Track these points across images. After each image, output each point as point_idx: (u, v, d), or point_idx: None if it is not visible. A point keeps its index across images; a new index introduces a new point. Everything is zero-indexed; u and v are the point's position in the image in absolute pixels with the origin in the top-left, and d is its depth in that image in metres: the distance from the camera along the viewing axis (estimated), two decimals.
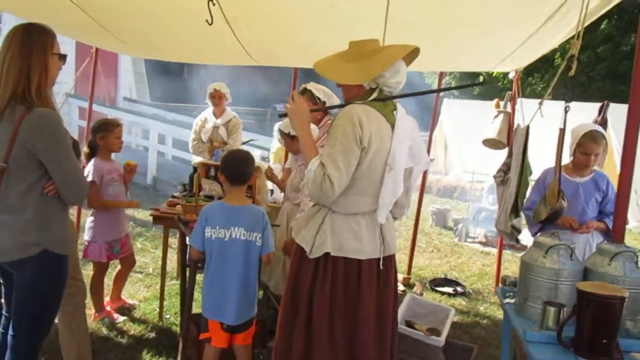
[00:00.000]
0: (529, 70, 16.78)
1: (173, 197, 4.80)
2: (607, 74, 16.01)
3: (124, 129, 12.41)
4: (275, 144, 6.22)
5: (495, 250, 7.50)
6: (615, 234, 2.48)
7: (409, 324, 3.15)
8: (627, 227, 3.00)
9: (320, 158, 2.38)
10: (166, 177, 10.17)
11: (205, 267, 2.99)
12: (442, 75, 5.73)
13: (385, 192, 2.48)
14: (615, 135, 9.27)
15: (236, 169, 2.95)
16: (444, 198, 11.65)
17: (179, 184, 5.16)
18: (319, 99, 4.22)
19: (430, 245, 7.75)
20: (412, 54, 2.52)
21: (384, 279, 2.58)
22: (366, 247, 2.51)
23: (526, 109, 5.18)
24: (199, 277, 3.66)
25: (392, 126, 2.46)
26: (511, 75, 5.51)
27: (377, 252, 2.54)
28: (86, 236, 4.09)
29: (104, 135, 3.98)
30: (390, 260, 2.61)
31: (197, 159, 5.55)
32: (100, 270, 4.19)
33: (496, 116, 5.64)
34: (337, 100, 4.31)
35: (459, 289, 5.61)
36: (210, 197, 4.31)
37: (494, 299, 5.43)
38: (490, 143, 5.65)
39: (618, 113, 8.89)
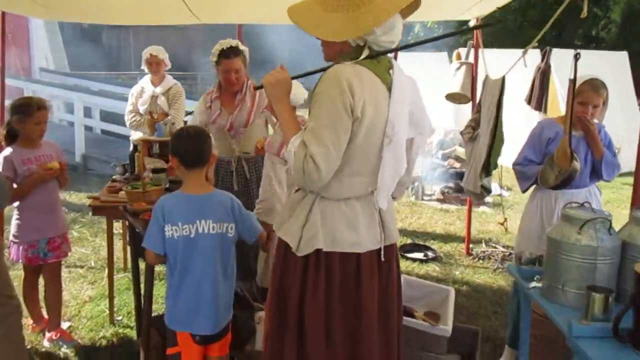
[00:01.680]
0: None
1: (113, 181, 4.19)
2: (539, 20, 16.00)
3: None
4: None
5: (454, 207, 7.35)
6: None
7: (407, 311, 2.78)
8: None
9: (302, 135, 1.92)
10: (96, 153, 9.35)
11: (168, 272, 2.48)
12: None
13: (385, 170, 2.04)
14: (558, 81, 9.23)
15: (191, 148, 2.43)
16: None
17: (117, 164, 4.53)
18: (247, 60, 3.72)
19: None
20: (410, 7, 2.05)
21: (386, 273, 2.17)
22: (364, 237, 2.08)
23: (488, 60, 4.88)
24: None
25: (389, 89, 2.01)
26: (471, 24, 5.13)
27: (376, 242, 2.12)
28: (11, 236, 3.46)
29: (22, 118, 3.31)
30: (391, 250, 2.20)
31: (136, 135, 4.91)
32: (30, 273, 3.56)
33: (458, 68, 5.31)
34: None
35: (429, 253, 5.34)
36: (159, 171, 3.73)
37: (467, 262, 5.19)
38: (454, 97, 5.32)
39: (559, 59, 8.87)
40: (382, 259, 2.13)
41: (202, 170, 2.48)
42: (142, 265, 3.18)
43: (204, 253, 2.42)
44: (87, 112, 9.88)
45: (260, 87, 2.11)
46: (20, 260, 3.44)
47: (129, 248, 4.50)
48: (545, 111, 8.60)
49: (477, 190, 4.25)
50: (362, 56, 2.00)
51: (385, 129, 2.00)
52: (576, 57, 2.49)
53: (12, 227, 3.42)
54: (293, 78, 2.14)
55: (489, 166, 4.15)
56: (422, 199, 7.77)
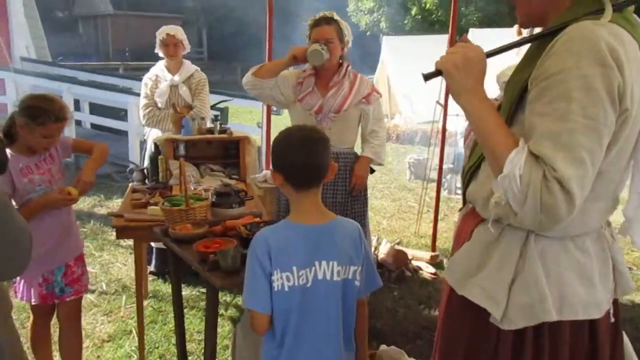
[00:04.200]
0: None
1: (134, 191, 3.39)
2: None
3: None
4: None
5: None
6: None
7: None
8: None
9: (527, 147, 1.19)
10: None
11: (269, 336, 1.71)
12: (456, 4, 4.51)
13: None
14: None
15: (303, 160, 1.65)
16: (406, 145, 10.64)
17: (134, 168, 3.72)
18: (344, 34, 3.06)
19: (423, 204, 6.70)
20: None
21: (613, 340, 1.45)
22: (600, 293, 1.35)
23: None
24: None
25: None
26: None
27: (610, 296, 1.40)
28: None
29: (31, 125, 2.50)
30: (616, 304, 1.47)
31: (153, 133, 4.10)
32: (40, 316, 2.74)
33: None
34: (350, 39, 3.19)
35: None
36: (224, 195, 2.91)
37: None
38: None
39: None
40: (612, 320, 1.41)
41: (319, 190, 1.71)
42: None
43: (325, 308, 1.66)
44: (76, 105, 8.96)
45: (435, 73, 1.35)
46: (33, 300, 2.64)
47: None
48: None
49: None
50: (607, 7, 1.25)
51: None
52: None
53: None
54: (489, 55, 1.38)
55: None
56: (455, 193, 7.07)
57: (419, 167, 7.89)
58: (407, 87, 12.33)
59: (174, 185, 3.41)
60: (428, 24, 16.39)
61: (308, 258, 1.63)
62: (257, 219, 2.65)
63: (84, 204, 6.23)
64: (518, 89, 1.30)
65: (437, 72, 1.33)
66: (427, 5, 17.15)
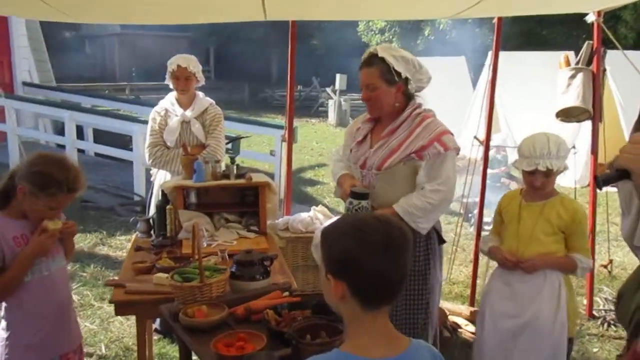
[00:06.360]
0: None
1: (138, 249, 2.92)
2: (559, 19, 14.53)
3: (29, 122, 9.80)
4: None
5: None
6: None
7: None
8: None
9: None
10: (92, 180, 7.97)
11: None
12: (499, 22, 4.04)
13: None
14: (615, 84, 8.13)
15: (384, 268, 1.19)
16: None
17: (138, 218, 3.25)
18: (397, 73, 2.49)
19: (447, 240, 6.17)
20: None
21: None
22: None
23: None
24: None
25: None
26: (590, 19, 3.94)
27: None
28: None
29: (36, 194, 2.05)
30: None
31: (161, 174, 3.64)
32: None
33: (572, 76, 4.11)
34: (424, 71, 2.60)
35: None
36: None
37: (593, 330, 3.97)
38: (570, 113, 4.12)
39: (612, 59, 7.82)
40: None
41: (388, 309, 1.23)
42: None
43: None
44: (79, 132, 8.54)
45: (619, 176, 0.93)
46: None
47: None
48: None
49: None
50: None
51: None
52: None
53: (0, 349, 2.14)
54: None
55: None
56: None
57: None
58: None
59: (184, 240, 2.94)
60: (441, 45, 15.97)
61: None
62: (286, 297, 2.18)
63: (85, 242, 5.75)
64: None
65: (622, 174, 0.90)
66: (442, 26, 16.76)
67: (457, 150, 2.56)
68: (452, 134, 2.57)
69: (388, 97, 2.52)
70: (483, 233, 4.02)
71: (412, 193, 2.55)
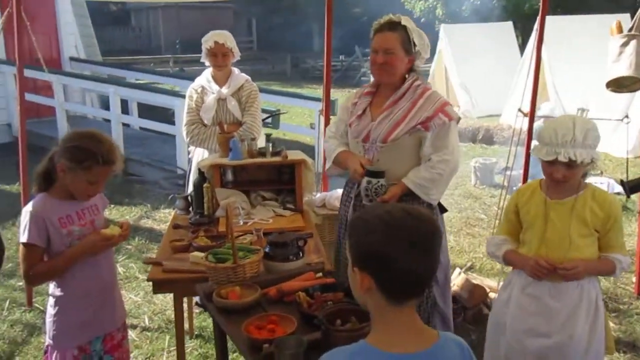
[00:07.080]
0: None
1: (176, 227, 2.96)
2: None
3: (77, 96, 9.99)
4: None
5: None
6: None
7: None
8: None
9: None
10: (137, 154, 8.13)
11: None
12: None
13: None
14: None
15: (413, 263, 1.16)
16: (467, 143, 9.91)
17: (177, 195, 3.30)
18: (414, 44, 2.48)
19: (490, 214, 6.08)
20: None
21: None
22: None
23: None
24: None
25: None
26: None
27: None
28: (47, 337, 2.26)
29: (74, 169, 2.09)
30: None
31: (199, 152, 3.67)
32: None
33: (624, 44, 3.89)
34: (428, 51, 2.64)
35: None
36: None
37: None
38: (621, 83, 3.92)
39: None
40: None
41: (416, 302, 1.20)
42: None
43: None
44: (124, 106, 8.70)
45: None
46: None
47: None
48: None
49: None
50: None
51: None
52: None
53: (48, 325, 2.23)
54: None
55: None
56: None
57: (485, 172, 7.25)
58: (466, 78, 11.59)
59: (221, 218, 2.96)
60: (487, 11, 15.45)
61: None
62: (319, 278, 2.18)
63: (130, 215, 5.90)
64: None
65: None
66: None
67: (458, 120, 2.59)
68: (451, 105, 2.62)
69: (402, 65, 2.52)
70: None
71: (418, 166, 2.56)
